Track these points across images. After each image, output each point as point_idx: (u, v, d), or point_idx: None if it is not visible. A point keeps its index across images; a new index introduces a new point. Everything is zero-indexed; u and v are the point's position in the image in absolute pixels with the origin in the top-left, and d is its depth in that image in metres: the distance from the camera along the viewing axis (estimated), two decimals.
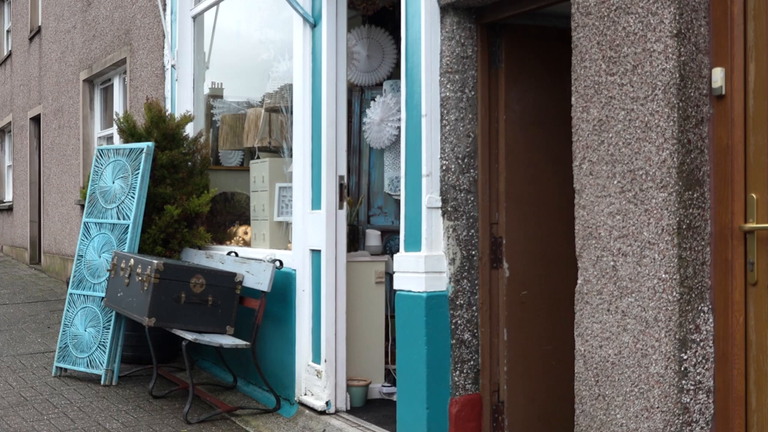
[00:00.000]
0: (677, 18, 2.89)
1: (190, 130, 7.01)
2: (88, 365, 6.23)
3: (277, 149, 6.62)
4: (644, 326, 3.00)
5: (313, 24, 5.29)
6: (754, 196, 2.84)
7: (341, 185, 5.21)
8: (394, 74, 6.15)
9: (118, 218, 6.40)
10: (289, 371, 5.46)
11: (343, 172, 5.23)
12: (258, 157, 6.78)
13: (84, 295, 6.44)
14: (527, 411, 4.31)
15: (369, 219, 6.27)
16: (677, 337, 2.89)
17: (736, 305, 2.90)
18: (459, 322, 4.19)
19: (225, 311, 5.59)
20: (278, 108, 6.56)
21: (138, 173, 6.33)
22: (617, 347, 3.11)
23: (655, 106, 2.96)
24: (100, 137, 10.93)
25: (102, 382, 6.09)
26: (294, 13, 5.38)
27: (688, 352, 2.91)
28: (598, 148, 3.19)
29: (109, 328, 6.17)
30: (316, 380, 5.19)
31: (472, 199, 4.24)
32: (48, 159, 13.04)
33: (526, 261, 4.31)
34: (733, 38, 2.90)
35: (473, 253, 4.24)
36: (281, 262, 5.46)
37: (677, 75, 2.89)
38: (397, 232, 5.11)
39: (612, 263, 3.13)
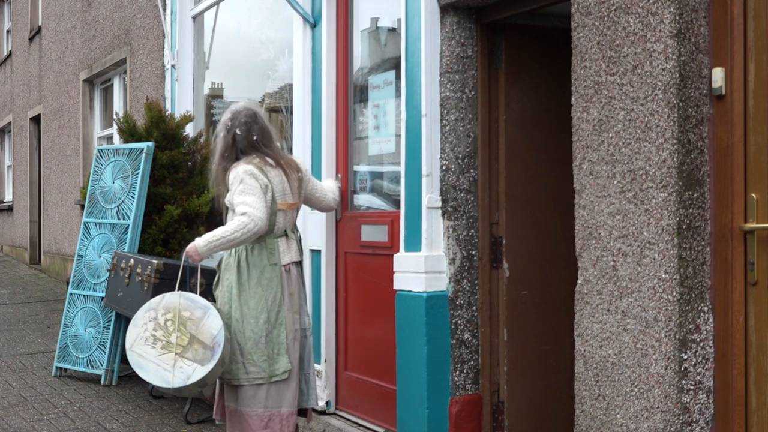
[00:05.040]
0: (677, 18, 2.89)
1: (190, 130, 7.01)
2: (88, 365, 6.23)
3: None
4: (644, 326, 3.00)
5: (313, 24, 5.29)
6: (754, 196, 2.84)
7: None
8: None
9: (118, 218, 6.40)
10: None
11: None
12: None
13: (84, 295, 6.44)
14: (527, 411, 4.31)
15: None
16: (677, 337, 2.89)
17: (736, 305, 2.90)
18: (459, 322, 4.19)
19: None
20: (278, 108, 6.55)
21: (138, 173, 6.33)
22: (617, 347, 3.11)
23: (655, 106, 2.96)
24: (100, 137, 10.92)
25: (102, 382, 6.09)
26: (294, 13, 5.38)
27: (688, 352, 2.91)
28: (598, 148, 3.19)
29: (109, 328, 6.17)
30: (316, 380, 5.18)
31: (472, 199, 4.24)
32: (48, 159, 13.03)
33: (526, 261, 4.31)
34: (733, 38, 2.90)
35: (473, 253, 4.24)
36: None
37: (677, 75, 2.89)
38: None
39: (612, 263, 3.13)
